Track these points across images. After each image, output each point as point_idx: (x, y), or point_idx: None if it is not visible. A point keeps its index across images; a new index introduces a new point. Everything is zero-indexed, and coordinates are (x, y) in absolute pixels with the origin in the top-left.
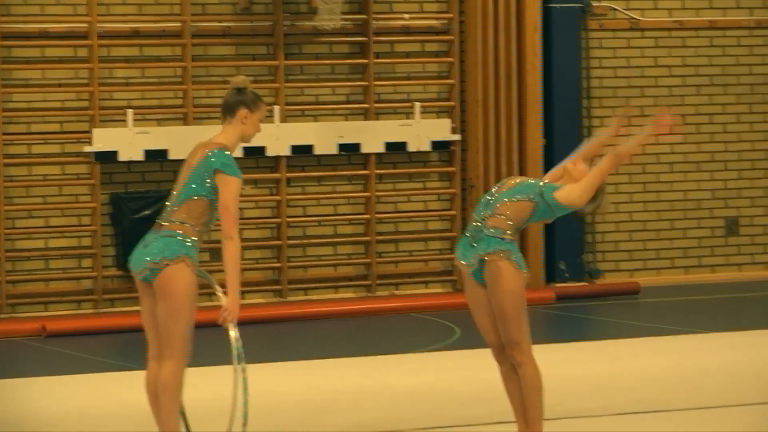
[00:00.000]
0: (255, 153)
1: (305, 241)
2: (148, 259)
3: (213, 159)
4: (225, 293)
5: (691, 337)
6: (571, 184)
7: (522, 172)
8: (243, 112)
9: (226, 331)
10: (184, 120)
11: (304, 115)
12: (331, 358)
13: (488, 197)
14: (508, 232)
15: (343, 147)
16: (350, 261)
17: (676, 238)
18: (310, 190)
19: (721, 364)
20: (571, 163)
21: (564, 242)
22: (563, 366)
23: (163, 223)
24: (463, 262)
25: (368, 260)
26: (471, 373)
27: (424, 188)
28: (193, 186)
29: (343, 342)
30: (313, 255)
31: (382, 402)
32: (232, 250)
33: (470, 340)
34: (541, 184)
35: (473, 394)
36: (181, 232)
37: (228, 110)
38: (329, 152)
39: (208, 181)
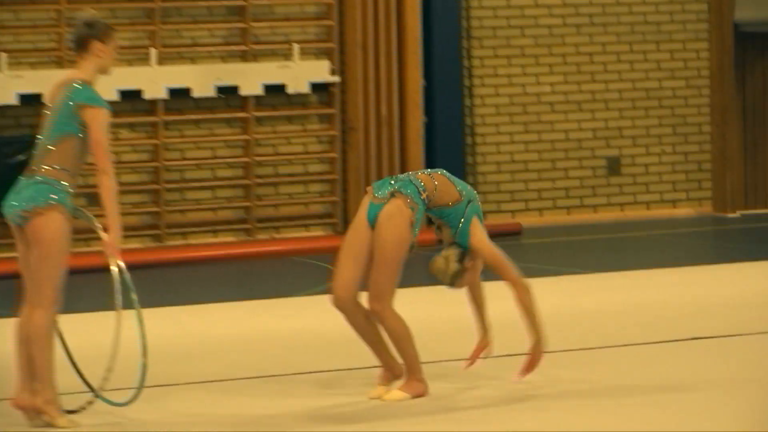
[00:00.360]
0: (131, 96)
1: (183, 184)
2: (20, 205)
3: (76, 94)
4: (105, 231)
5: (573, 278)
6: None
7: (402, 114)
8: (97, 45)
9: (112, 272)
10: (59, 63)
11: (181, 57)
12: (210, 303)
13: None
14: (423, 188)
15: (221, 89)
16: (229, 204)
17: (557, 179)
18: (188, 133)
19: (603, 304)
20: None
21: None
22: (447, 309)
23: (34, 169)
24: (377, 195)
25: (248, 204)
26: None
27: (304, 130)
28: (60, 126)
29: (222, 286)
30: (192, 199)
31: (261, 346)
32: (108, 184)
33: None
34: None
35: (353, 338)
36: (53, 177)
37: (80, 45)
38: (207, 95)
39: (75, 117)
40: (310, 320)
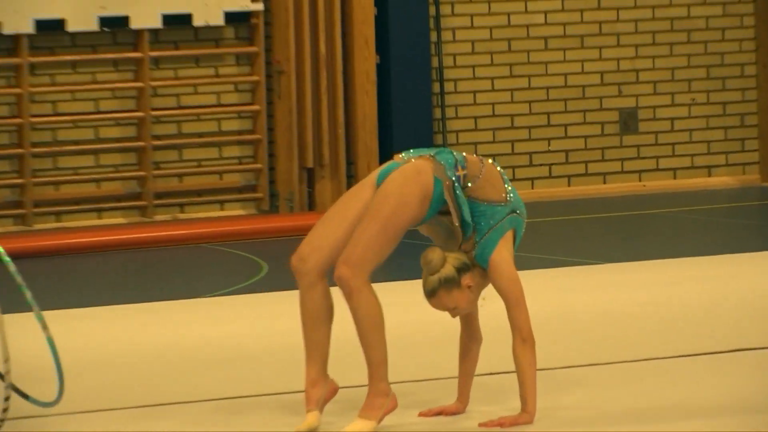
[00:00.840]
0: None
1: (56, 148)
2: None
3: None
4: None
5: (576, 271)
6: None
7: (347, 53)
8: None
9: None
10: None
11: None
12: (92, 307)
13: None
14: (462, 164)
15: (105, 21)
16: (118, 175)
17: (554, 138)
18: (62, 79)
19: (616, 305)
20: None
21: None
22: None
23: None
24: (403, 155)
25: (142, 173)
26: (281, 323)
27: (217, 75)
28: None
29: (110, 284)
30: (68, 167)
31: (165, 365)
32: None
33: (281, 277)
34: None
35: (283, 350)
36: None
37: None
38: (87, 29)
39: None
40: (232, 327)
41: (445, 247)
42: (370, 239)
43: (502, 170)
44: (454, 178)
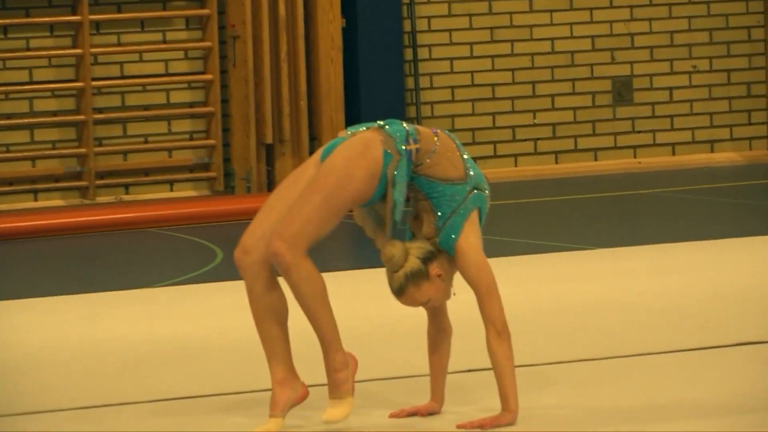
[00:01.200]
0: None
1: None
2: None
3: None
4: None
5: (564, 256)
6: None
7: (309, 16)
8: None
9: None
10: None
11: None
12: (28, 298)
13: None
14: (414, 138)
15: None
16: (55, 152)
17: (540, 110)
18: None
19: (608, 294)
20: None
21: None
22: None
23: None
24: (349, 130)
25: (82, 150)
26: (237, 315)
27: (164, 41)
28: None
29: (48, 273)
30: (1, 144)
31: (108, 363)
32: None
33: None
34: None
35: (241, 344)
36: None
37: None
38: None
39: None
40: (176, 321)
41: (377, 236)
42: (310, 213)
43: (456, 139)
44: (403, 154)
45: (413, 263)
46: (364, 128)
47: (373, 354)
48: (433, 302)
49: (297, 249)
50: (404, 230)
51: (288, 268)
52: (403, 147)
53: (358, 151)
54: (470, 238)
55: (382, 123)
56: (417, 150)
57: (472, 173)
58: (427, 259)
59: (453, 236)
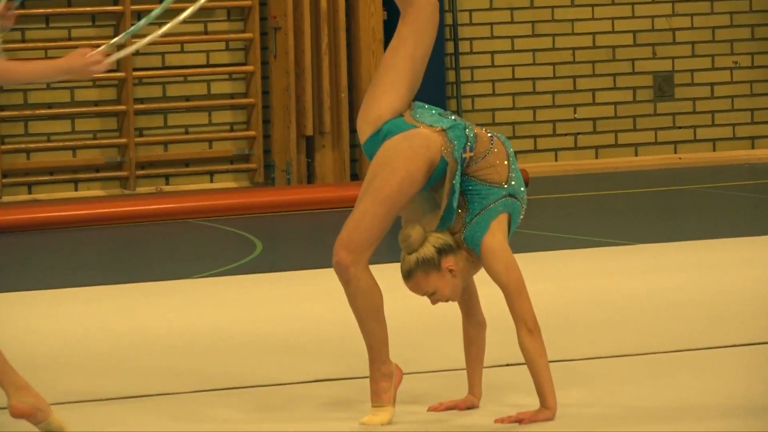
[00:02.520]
0: None
1: (26, 112)
2: None
3: None
4: None
5: (603, 251)
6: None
7: (351, 8)
8: None
9: None
10: None
11: None
12: (71, 288)
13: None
14: (471, 146)
15: None
16: (96, 142)
17: (581, 105)
18: (33, 35)
19: (646, 290)
20: None
21: None
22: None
23: None
24: (414, 114)
25: (123, 141)
26: (275, 307)
27: (206, 32)
28: None
29: (88, 263)
30: (39, 134)
31: (143, 351)
32: None
33: (276, 258)
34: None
35: (280, 338)
36: None
37: None
38: None
39: None
40: (216, 312)
41: (419, 223)
42: (373, 222)
43: (510, 147)
44: (460, 160)
45: (428, 250)
46: (430, 124)
47: (413, 347)
48: (439, 296)
49: (360, 261)
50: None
51: (349, 279)
52: (462, 155)
53: (420, 153)
54: (498, 236)
55: (447, 126)
56: (471, 158)
57: (513, 183)
58: (442, 251)
59: (479, 233)
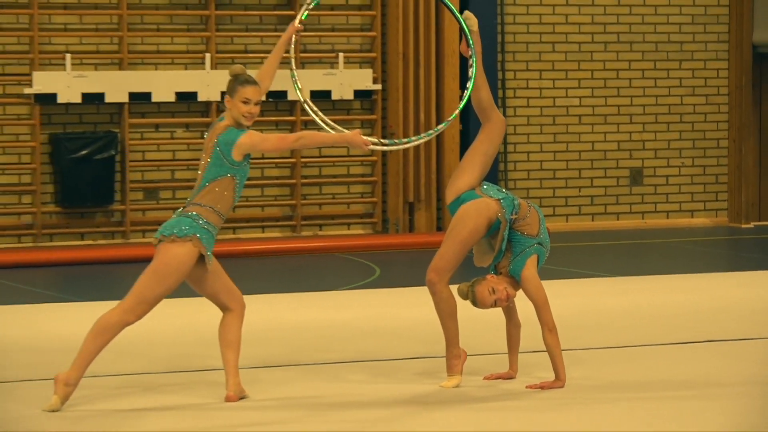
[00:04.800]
0: (187, 98)
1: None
2: (159, 232)
3: (223, 140)
4: None
5: (596, 281)
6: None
7: (440, 121)
8: (226, 98)
9: None
10: (120, 65)
11: (234, 63)
12: (257, 294)
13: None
14: (516, 212)
15: (270, 94)
16: (276, 202)
17: (583, 187)
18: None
19: (624, 306)
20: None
21: None
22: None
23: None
24: (484, 188)
25: (293, 202)
26: (390, 310)
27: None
28: (213, 168)
29: (268, 280)
30: (242, 196)
31: (304, 336)
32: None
33: (389, 279)
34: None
35: (391, 330)
36: (197, 213)
37: (225, 98)
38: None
39: (225, 160)
40: (351, 312)
41: (482, 258)
42: (452, 255)
43: (541, 212)
44: (509, 220)
45: (474, 282)
46: (490, 195)
47: (474, 337)
48: (499, 297)
49: (443, 280)
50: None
51: (435, 292)
52: (510, 217)
53: (483, 214)
54: (531, 269)
55: (501, 197)
56: (516, 218)
57: (542, 236)
58: (475, 283)
59: (520, 267)
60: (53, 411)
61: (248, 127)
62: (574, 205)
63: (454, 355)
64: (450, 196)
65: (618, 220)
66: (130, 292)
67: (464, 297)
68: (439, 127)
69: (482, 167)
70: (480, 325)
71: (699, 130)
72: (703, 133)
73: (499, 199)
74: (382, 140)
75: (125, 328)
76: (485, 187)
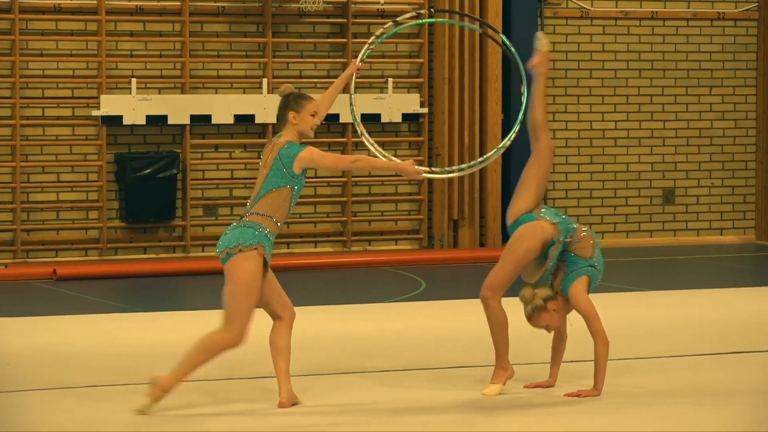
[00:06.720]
0: (245, 120)
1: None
2: (220, 246)
3: (284, 153)
4: None
5: (630, 295)
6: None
7: (483, 143)
8: (291, 114)
9: None
10: (182, 89)
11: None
12: (309, 306)
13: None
14: (572, 236)
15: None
16: (328, 219)
17: (618, 206)
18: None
19: (656, 318)
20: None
21: None
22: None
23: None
24: (542, 212)
25: (344, 219)
26: (435, 322)
27: (395, 155)
28: (273, 179)
29: (320, 292)
30: (296, 213)
31: (353, 345)
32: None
33: (435, 292)
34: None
35: (435, 340)
36: (256, 222)
37: (281, 119)
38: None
39: (285, 171)
40: (399, 323)
41: (530, 275)
42: (506, 273)
43: (596, 237)
44: (563, 243)
45: (537, 301)
46: (547, 218)
47: (521, 348)
48: (551, 327)
49: (496, 296)
50: (548, 279)
51: (488, 306)
52: (565, 240)
53: (538, 235)
54: (579, 287)
55: (558, 221)
56: (570, 242)
57: (595, 259)
58: (547, 299)
59: (568, 285)
60: (142, 413)
61: (307, 144)
62: (609, 223)
63: (502, 367)
64: (510, 218)
65: (651, 237)
66: (224, 315)
67: (525, 303)
68: (488, 155)
69: (537, 190)
70: (525, 333)
71: (728, 152)
72: (732, 155)
73: (555, 222)
74: (433, 169)
75: (228, 350)
76: (543, 210)
